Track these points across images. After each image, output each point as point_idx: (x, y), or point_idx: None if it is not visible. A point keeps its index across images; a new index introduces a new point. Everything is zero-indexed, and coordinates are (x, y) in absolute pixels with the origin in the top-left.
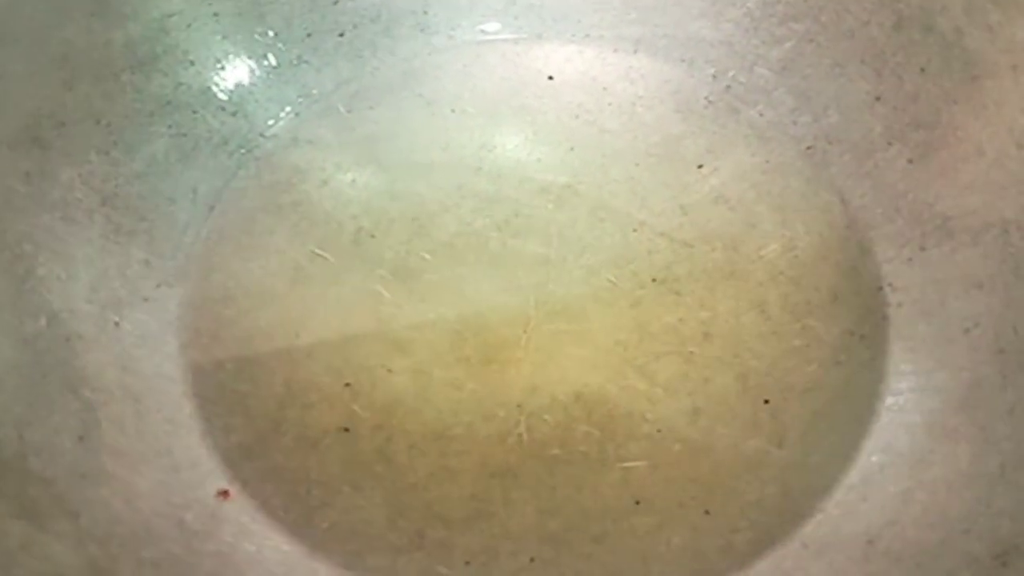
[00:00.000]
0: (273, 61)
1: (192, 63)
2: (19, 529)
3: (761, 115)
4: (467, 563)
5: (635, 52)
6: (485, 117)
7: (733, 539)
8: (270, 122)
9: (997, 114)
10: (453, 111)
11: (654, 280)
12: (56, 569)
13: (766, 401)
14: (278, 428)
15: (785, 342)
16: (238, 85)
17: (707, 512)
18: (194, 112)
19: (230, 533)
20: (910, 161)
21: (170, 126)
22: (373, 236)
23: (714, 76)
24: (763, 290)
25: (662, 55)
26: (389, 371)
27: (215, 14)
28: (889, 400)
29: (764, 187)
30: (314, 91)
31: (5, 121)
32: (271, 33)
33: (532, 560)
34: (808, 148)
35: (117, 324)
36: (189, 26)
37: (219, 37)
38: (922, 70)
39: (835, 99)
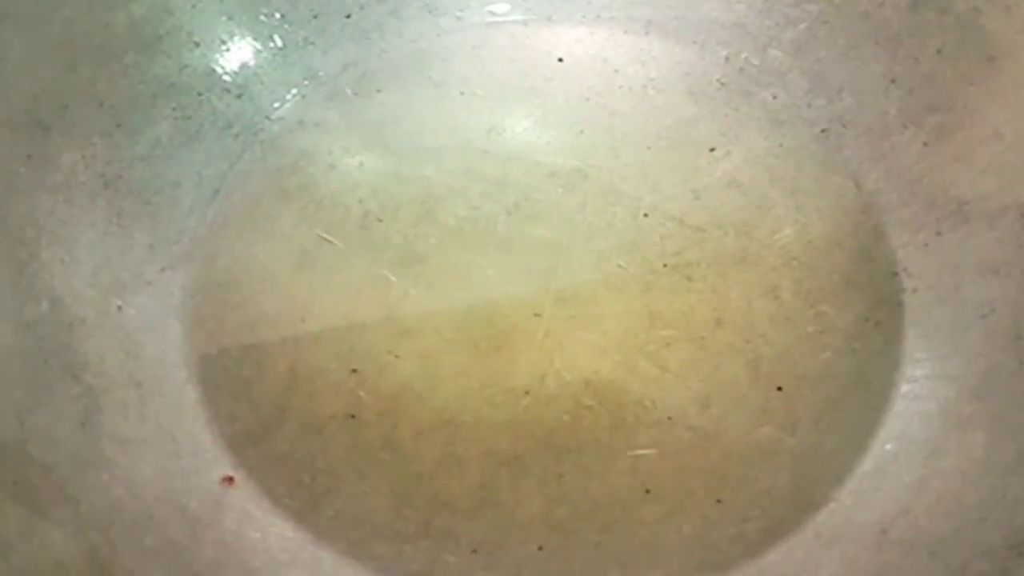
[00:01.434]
0: (279, 42)
1: (197, 44)
2: (19, 516)
3: (774, 98)
4: (474, 551)
5: (646, 34)
6: (494, 100)
7: (744, 528)
8: (276, 105)
9: (1014, 96)
10: (461, 94)
11: (665, 265)
12: (56, 556)
13: (778, 388)
14: (283, 415)
15: (798, 328)
16: (243, 67)
17: (718, 501)
18: (199, 94)
19: (234, 520)
20: (925, 144)
21: (174, 108)
22: (380, 220)
23: (727, 58)
24: (776, 276)
25: (674, 37)
26: (396, 357)
27: None
28: (903, 387)
29: (777, 171)
30: (320, 73)
31: (7, 103)
32: (277, 14)
33: (540, 549)
34: (822, 131)
35: (120, 309)
36: (194, 6)
37: (224, 18)
38: (938, 51)
39: (849, 82)
